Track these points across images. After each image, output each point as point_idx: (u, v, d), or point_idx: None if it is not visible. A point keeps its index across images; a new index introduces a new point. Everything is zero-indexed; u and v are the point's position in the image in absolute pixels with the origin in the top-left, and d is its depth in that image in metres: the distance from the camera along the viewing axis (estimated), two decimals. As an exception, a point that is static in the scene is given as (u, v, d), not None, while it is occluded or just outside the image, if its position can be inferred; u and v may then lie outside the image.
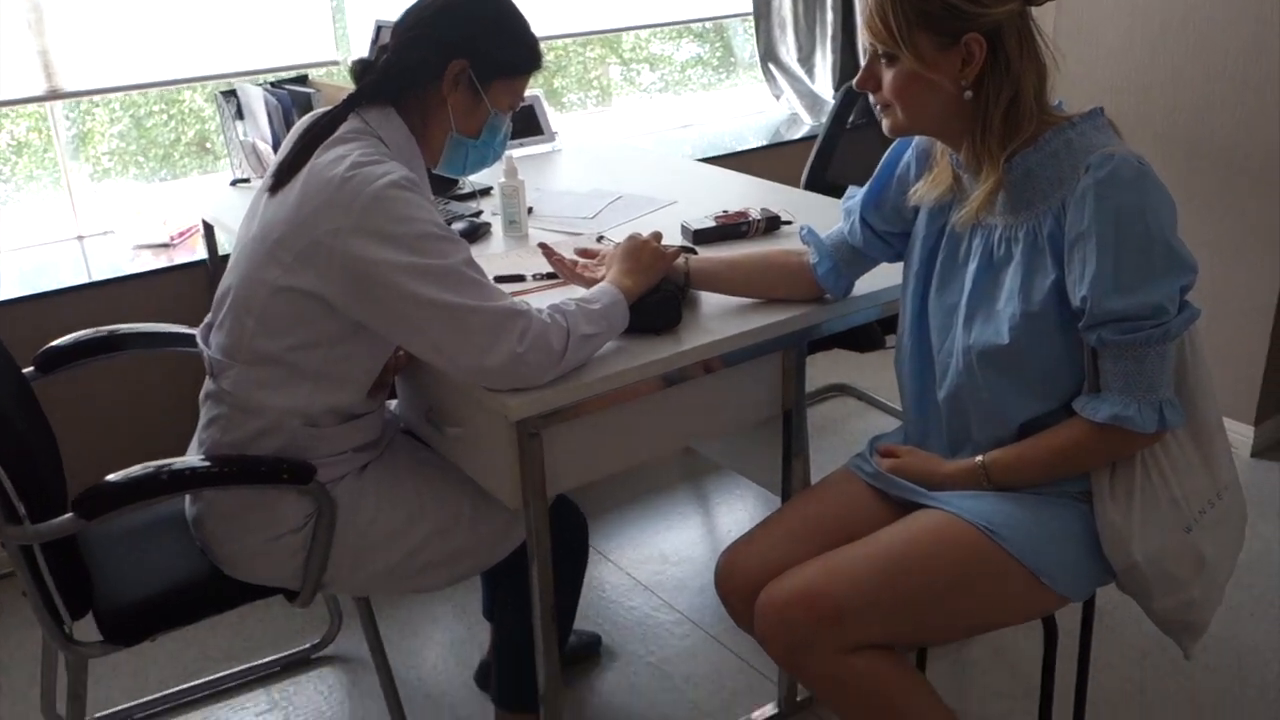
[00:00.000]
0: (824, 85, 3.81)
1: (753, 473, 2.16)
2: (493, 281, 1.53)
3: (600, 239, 2.15)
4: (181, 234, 2.85)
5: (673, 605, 2.42)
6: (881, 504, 1.67)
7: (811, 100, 3.86)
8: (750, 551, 1.64)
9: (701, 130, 3.90)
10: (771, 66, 3.89)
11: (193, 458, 1.54)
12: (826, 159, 2.93)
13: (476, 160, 1.69)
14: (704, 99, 4.12)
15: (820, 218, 2.20)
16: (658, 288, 1.71)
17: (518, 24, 1.64)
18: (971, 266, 1.57)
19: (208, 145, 3.18)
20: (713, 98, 4.13)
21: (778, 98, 3.97)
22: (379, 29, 2.62)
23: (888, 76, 1.46)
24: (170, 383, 2.72)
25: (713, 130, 3.89)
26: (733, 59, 4.19)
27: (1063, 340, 1.49)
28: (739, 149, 3.60)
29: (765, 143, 3.69)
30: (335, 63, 3.08)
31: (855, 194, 1.79)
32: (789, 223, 2.17)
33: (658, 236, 1.80)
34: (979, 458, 1.58)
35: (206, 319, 1.71)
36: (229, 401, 1.59)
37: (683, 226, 2.16)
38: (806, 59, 3.82)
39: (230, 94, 2.80)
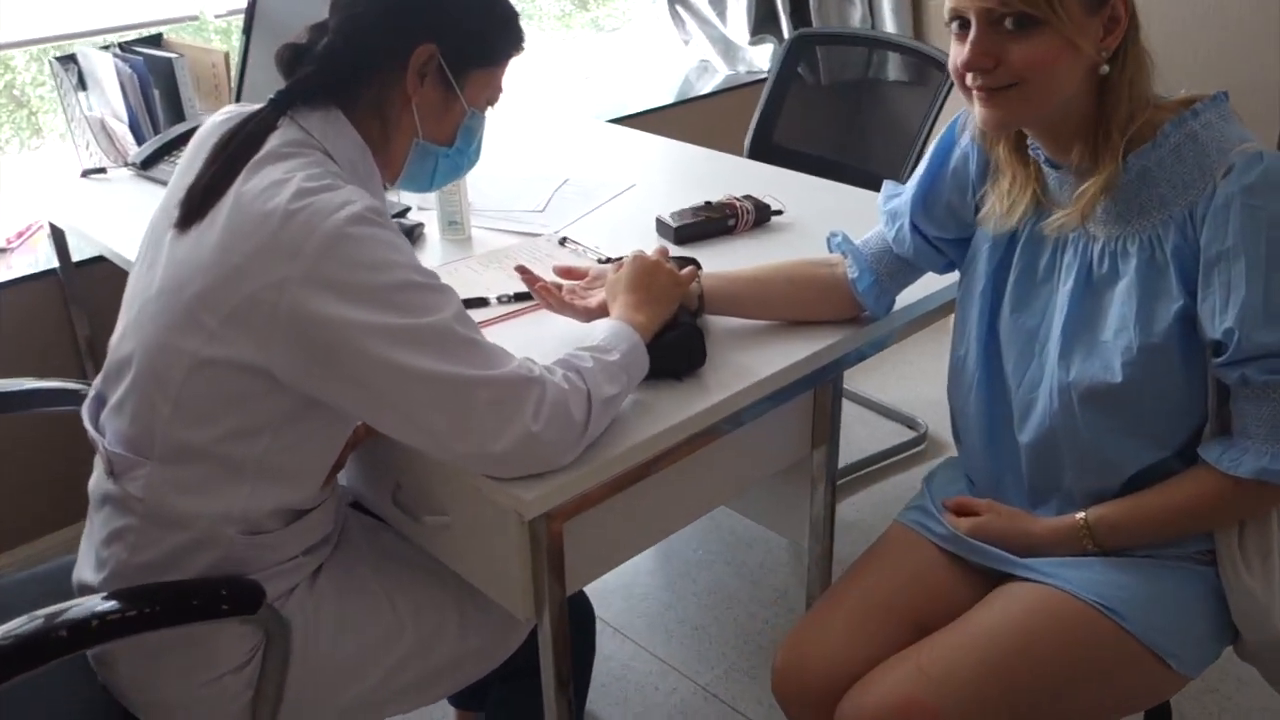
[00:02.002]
0: (738, 29, 3.48)
1: (767, 519, 1.86)
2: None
3: (593, 255, 1.79)
4: (20, 235, 2.33)
5: (651, 651, 2.12)
6: (961, 572, 1.40)
7: (725, 46, 3.52)
8: (818, 644, 1.35)
9: (597, 83, 3.51)
10: (679, 8, 3.53)
11: (95, 599, 1.14)
12: (772, 120, 2.61)
13: (447, 172, 1.31)
14: (583, 42, 3.70)
15: (805, 201, 1.90)
16: (674, 320, 1.38)
17: (497, -6, 1.26)
18: (1065, 287, 1.30)
19: (17, 94, 2.62)
20: (593, 42, 3.73)
21: (686, 43, 3.61)
22: (258, -20, 2.16)
23: (1017, 50, 1.15)
24: (36, 447, 2.23)
25: (610, 83, 3.51)
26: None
27: (1186, 377, 1.24)
28: (654, 105, 3.24)
29: (676, 98, 3.34)
30: (194, 18, 2.58)
31: (898, 191, 1.48)
32: (780, 212, 1.85)
33: (666, 254, 1.46)
34: (1080, 515, 1.32)
35: (94, 387, 1.29)
36: (139, 511, 1.19)
37: (659, 222, 1.82)
38: (718, 0, 3.47)
39: (68, 59, 2.29)
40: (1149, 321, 1.22)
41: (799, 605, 2.20)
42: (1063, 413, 1.30)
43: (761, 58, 3.47)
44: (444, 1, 1.20)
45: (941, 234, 1.44)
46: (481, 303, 1.57)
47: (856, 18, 3.44)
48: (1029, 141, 1.30)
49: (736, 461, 1.44)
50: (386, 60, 1.20)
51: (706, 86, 3.44)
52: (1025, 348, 1.35)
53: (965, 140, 1.40)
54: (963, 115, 1.40)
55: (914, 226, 1.44)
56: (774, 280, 1.50)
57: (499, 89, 1.29)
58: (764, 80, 3.40)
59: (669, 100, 3.29)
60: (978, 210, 1.41)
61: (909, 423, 2.78)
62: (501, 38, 1.26)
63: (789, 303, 1.50)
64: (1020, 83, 1.17)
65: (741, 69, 3.50)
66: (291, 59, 1.22)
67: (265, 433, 1.17)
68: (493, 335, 1.47)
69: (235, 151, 1.16)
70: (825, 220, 1.83)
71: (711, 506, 1.49)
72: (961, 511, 1.42)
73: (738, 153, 2.58)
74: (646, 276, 1.38)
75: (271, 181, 1.12)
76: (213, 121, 1.26)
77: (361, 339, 1.09)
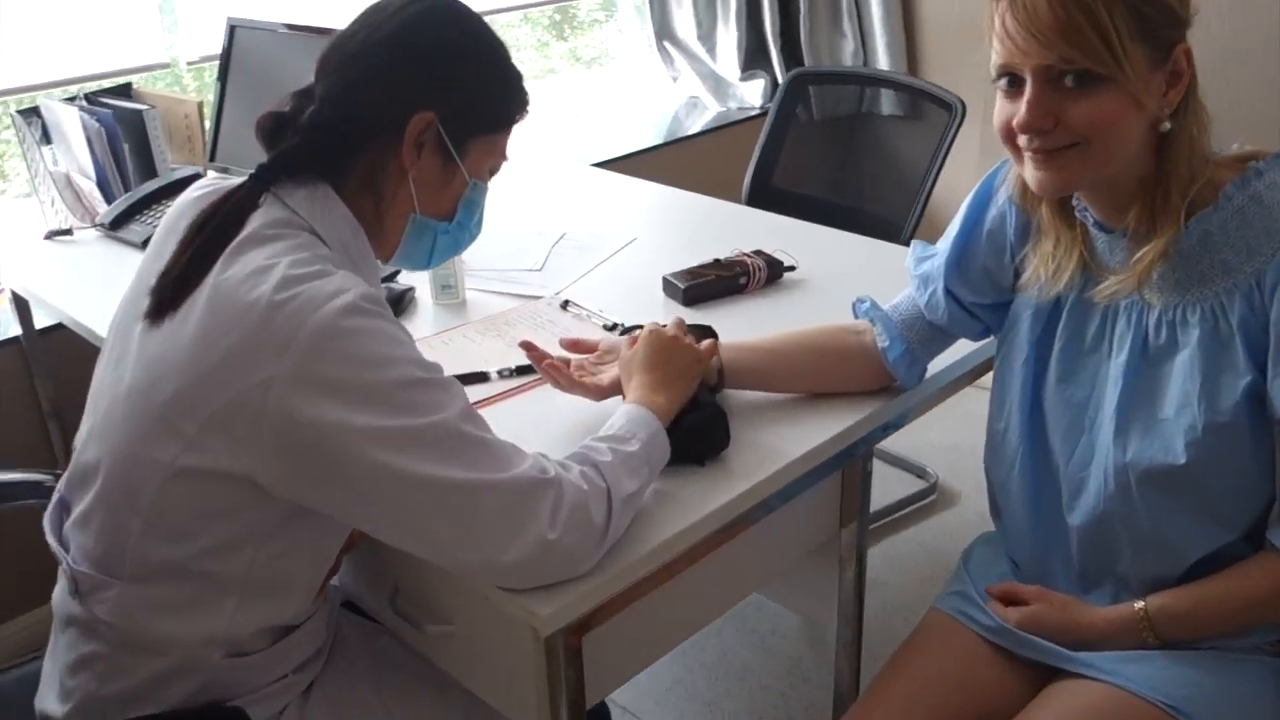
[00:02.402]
0: (728, 65, 3.39)
1: (790, 599, 1.74)
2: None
3: (598, 320, 1.68)
4: (-21, 298, 2.20)
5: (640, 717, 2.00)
6: (1009, 665, 1.30)
7: (715, 82, 3.43)
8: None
9: (585, 122, 3.40)
10: (666, 44, 3.44)
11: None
12: (771, 162, 2.51)
13: (447, 249, 1.20)
14: (568, 78, 3.60)
15: (816, 254, 1.79)
16: (694, 399, 1.27)
17: (498, 53, 1.15)
18: (1119, 358, 1.20)
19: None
20: (579, 78, 3.63)
21: (674, 80, 3.52)
22: (233, 30, 2.05)
23: (1079, 108, 1.06)
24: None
25: (598, 121, 3.41)
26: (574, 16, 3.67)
27: (1254, 456, 1.15)
28: (646, 145, 3.13)
29: (667, 137, 3.23)
30: (165, 65, 2.46)
31: (930, 253, 1.38)
32: (792, 268, 1.75)
33: (683, 327, 1.35)
34: (1139, 604, 1.22)
35: (58, 490, 1.17)
36: (108, 637, 1.07)
37: (665, 282, 1.71)
38: (707, 36, 3.38)
39: (31, 113, 2.17)
40: (1214, 398, 1.13)
41: (814, 676, 2.08)
42: (1119, 495, 1.20)
43: (753, 94, 3.38)
44: (442, 65, 1.09)
45: (978, 299, 1.34)
46: (481, 378, 1.46)
47: (849, 51, 3.36)
48: (1074, 202, 1.21)
49: (764, 549, 1.33)
50: (380, 130, 1.09)
51: (697, 124, 3.35)
52: (1074, 421, 1.25)
53: (1002, 199, 1.31)
54: (1001, 173, 1.30)
55: (948, 292, 1.34)
56: (798, 350, 1.39)
57: (503, 156, 1.18)
58: (757, 117, 3.35)
59: (660, 140, 3.19)
60: (1016, 274, 1.31)
61: (919, 472, 2.68)
62: (505, 101, 1.15)
63: (815, 374, 1.39)
64: (1081, 143, 1.08)
65: (733, 105, 3.40)
66: (274, 129, 1.10)
67: (249, 546, 1.05)
68: (494, 414, 1.37)
69: (212, 234, 1.04)
70: (840, 275, 1.74)
71: (739, 599, 1.38)
72: (1008, 599, 1.31)
73: (735, 193, 2.49)
74: (664, 354, 1.27)
75: (254, 268, 1.01)
76: (187, 198, 1.15)
77: (358, 444, 0.98)
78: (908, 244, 2.25)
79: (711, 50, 3.40)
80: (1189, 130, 1.11)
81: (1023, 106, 1.08)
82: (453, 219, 1.16)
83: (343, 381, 0.97)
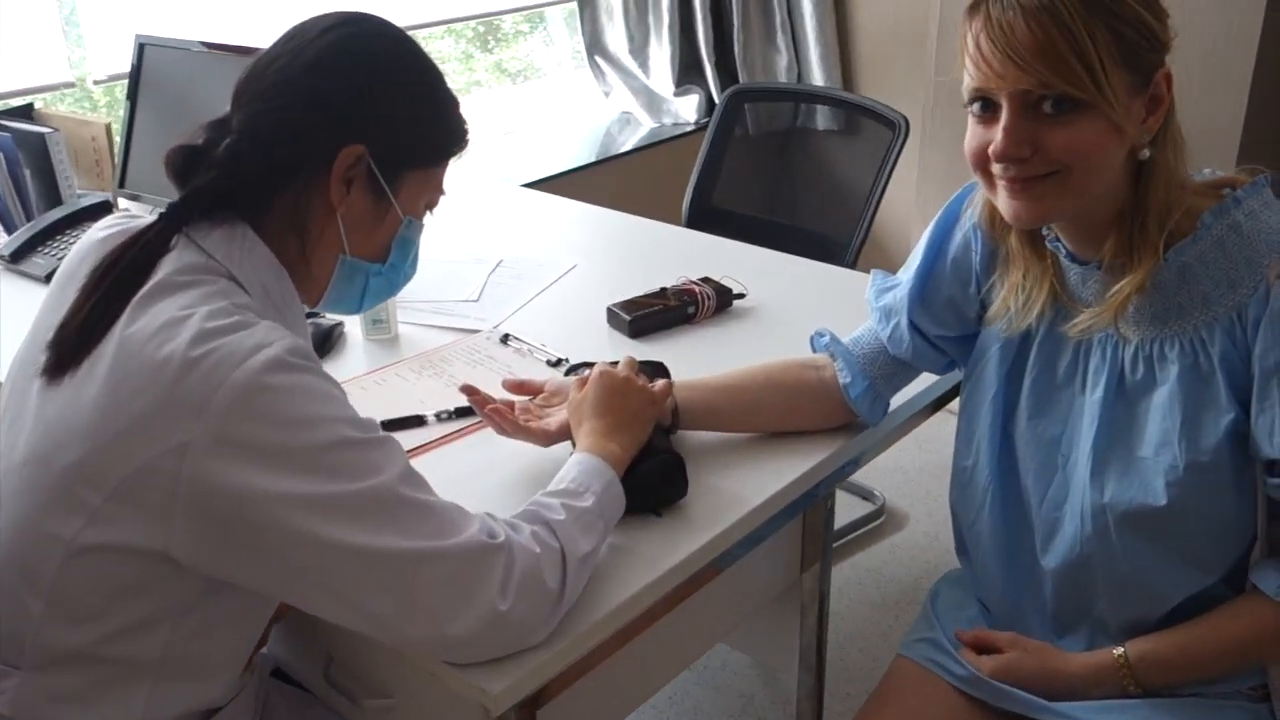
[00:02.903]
0: (661, 80, 3.32)
1: (748, 644, 1.67)
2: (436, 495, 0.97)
3: (541, 356, 1.59)
4: None
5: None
6: (986, 717, 1.23)
7: (648, 98, 3.36)
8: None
9: (510, 140, 3.31)
10: (598, 59, 3.36)
11: None
12: (710, 182, 2.45)
13: (380, 292, 1.10)
14: (497, 94, 3.51)
15: (765, 279, 1.72)
16: (649, 444, 1.19)
17: (432, 79, 1.06)
18: (1093, 395, 1.15)
19: None
20: (508, 93, 3.54)
21: (606, 94, 3.45)
22: (141, 48, 1.92)
23: (1058, 136, 1.01)
24: None
25: (530, 138, 3.32)
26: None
27: (1237, 496, 1.10)
28: (580, 163, 3.06)
29: (599, 154, 3.15)
30: (70, 84, 2.32)
31: (891, 284, 1.32)
32: (742, 296, 1.68)
33: (634, 367, 1.27)
34: (1118, 651, 1.17)
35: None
36: (7, 733, 0.95)
37: (610, 313, 1.63)
38: (640, 50, 3.32)
39: (-78, 137, 2.02)
40: (1196, 437, 1.08)
41: (768, 715, 2.01)
42: (1097, 537, 1.14)
43: (687, 109, 3.32)
44: (372, 93, 1.00)
45: (944, 332, 1.29)
46: (417, 421, 1.36)
47: (782, 65, 3.32)
48: (1044, 231, 1.15)
49: (725, 601, 1.25)
50: (305, 164, 0.99)
51: (631, 140, 3.28)
52: (1047, 460, 1.20)
53: (967, 226, 1.25)
54: (967, 200, 1.24)
55: (913, 325, 1.28)
56: (755, 388, 1.32)
57: (439, 191, 1.09)
58: (693, 133, 3.29)
59: (593, 157, 3.12)
60: (983, 306, 1.26)
61: (865, 494, 2.63)
62: (441, 132, 1.06)
63: (774, 413, 1.32)
64: (1060, 171, 1.02)
65: (667, 121, 3.34)
66: (186, 164, 1.00)
67: (165, 625, 0.94)
68: (433, 461, 1.28)
69: (118, 281, 0.94)
70: (791, 302, 1.67)
71: (700, 655, 1.30)
72: (980, 646, 1.25)
73: (673, 212, 2.42)
74: (617, 397, 1.19)
75: (166, 320, 0.91)
76: (90, 239, 1.04)
77: (286, 513, 0.88)
78: (853, 265, 2.22)
79: (644, 65, 3.34)
80: (1167, 158, 1.06)
81: (999, 133, 1.02)
82: (386, 260, 1.07)
83: (266, 445, 0.88)
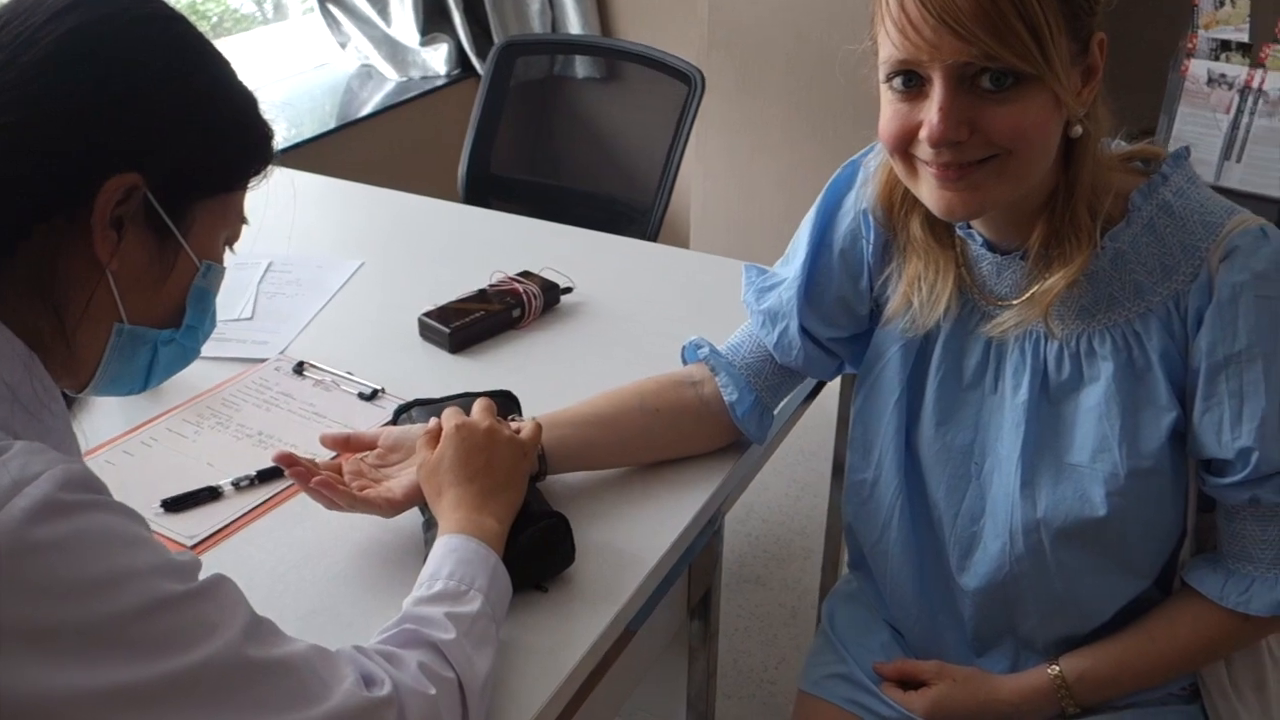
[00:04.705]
0: (405, 29, 3.00)
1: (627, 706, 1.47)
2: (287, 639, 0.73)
3: (350, 387, 1.31)
4: None
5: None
6: (915, 760, 1.12)
7: (391, 48, 3.03)
8: None
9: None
10: (330, 6, 2.99)
11: None
12: (486, 150, 2.20)
13: (172, 364, 0.81)
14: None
15: (587, 266, 1.53)
16: (523, 507, 0.98)
17: (220, 72, 0.78)
18: (1016, 398, 1.03)
19: None
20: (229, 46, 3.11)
21: (343, 45, 3.09)
22: None
23: (1000, 115, 0.86)
24: None
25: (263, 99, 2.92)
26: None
27: (1174, 499, 1.02)
28: (327, 128, 2.70)
29: (341, 120, 2.79)
30: None
31: (772, 282, 1.16)
32: (569, 290, 1.47)
33: (492, 409, 1.04)
34: (1052, 669, 1.08)
35: None
36: None
37: (424, 325, 1.38)
38: (378, -3, 2.98)
39: None
40: (1136, 440, 0.98)
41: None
42: (1030, 555, 1.03)
43: (436, 60, 3.02)
44: (145, 99, 0.71)
45: (835, 333, 1.13)
46: (210, 495, 1.08)
47: (534, 11, 3.08)
48: (956, 218, 1.01)
49: (625, 670, 1.06)
50: (52, 205, 0.69)
51: (375, 96, 2.95)
52: (959, 470, 1.08)
53: (852, 212, 1.10)
54: (853, 179, 1.09)
55: (803, 330, 1.12)
56: (628, 416, 1.12)
57: (240, 220, 0.82)
58: (443, 87, 3.00)
59: (336, 122, 2.76)
60: (876, 302, 1.11)
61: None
62: (240, 146, 0.79)
63: (652, 442, 1.13)
64: (1000, 155, 0.88)
65: (415, 74, 3.03)
66: None
67: None
68: (240, 552, 1.01)
69: None
70: (623, 292, 1.48)
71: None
72: (902, 680, 1.13)
73: (440, 179, 2.17)
74: (482, 455, 0.96)
75: None
76: None
77: (100, 717, 0.61)
78: (655, 236, 2.05)
79: (383, 12, 3.00)
80: (1096, 133, 0.94)
81: (933, 113, 0.86)
82: (179, 323, 0.79)
83: (54, 626, 0.60)
